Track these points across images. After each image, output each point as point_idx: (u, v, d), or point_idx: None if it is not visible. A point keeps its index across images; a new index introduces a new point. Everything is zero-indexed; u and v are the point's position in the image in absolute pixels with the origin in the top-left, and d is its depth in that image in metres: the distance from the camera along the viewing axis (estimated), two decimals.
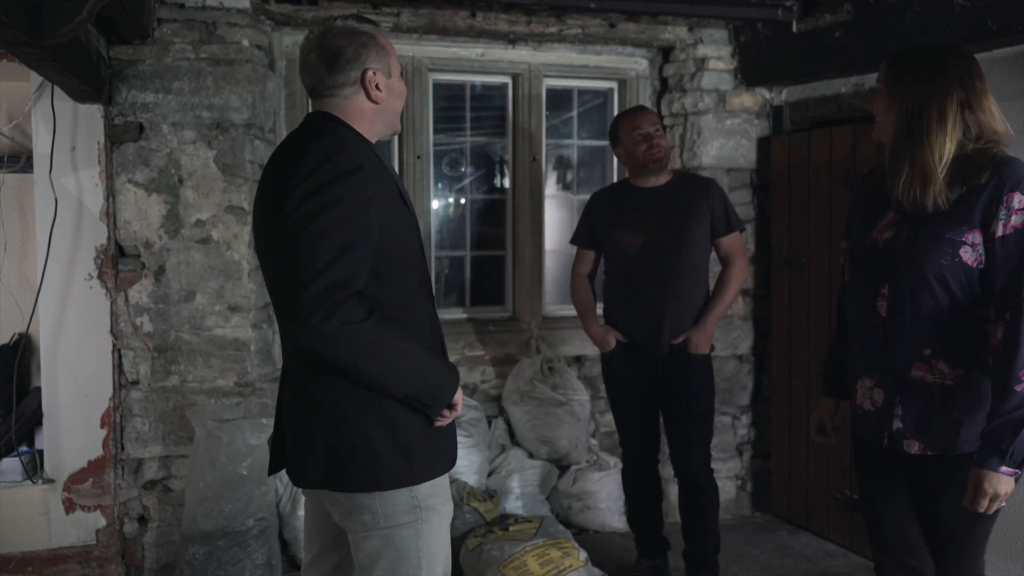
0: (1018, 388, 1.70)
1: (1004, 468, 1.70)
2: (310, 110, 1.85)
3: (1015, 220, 1.73)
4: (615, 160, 4.15)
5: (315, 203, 1.58)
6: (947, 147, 1.79)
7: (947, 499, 1.86)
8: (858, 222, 2.05)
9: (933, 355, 1.85)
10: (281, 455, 1.86)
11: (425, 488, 1.73)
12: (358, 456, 1.68)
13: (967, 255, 1.78)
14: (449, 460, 1.82)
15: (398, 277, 1.72)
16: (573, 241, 3.26)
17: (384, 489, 1.69)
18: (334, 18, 1.78)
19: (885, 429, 1.93)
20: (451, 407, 1.77)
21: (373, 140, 1.81)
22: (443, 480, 1.80)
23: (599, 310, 3.24)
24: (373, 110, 1.79)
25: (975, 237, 1.77)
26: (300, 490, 3.22)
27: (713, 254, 3.09)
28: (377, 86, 1.77)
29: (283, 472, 3.34)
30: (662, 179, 3.04)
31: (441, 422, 1.77)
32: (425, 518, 1.73)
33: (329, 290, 1.55)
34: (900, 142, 1.85)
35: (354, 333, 1.58)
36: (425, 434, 1.74)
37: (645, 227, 2.97)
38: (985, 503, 1.74)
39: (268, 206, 1.71)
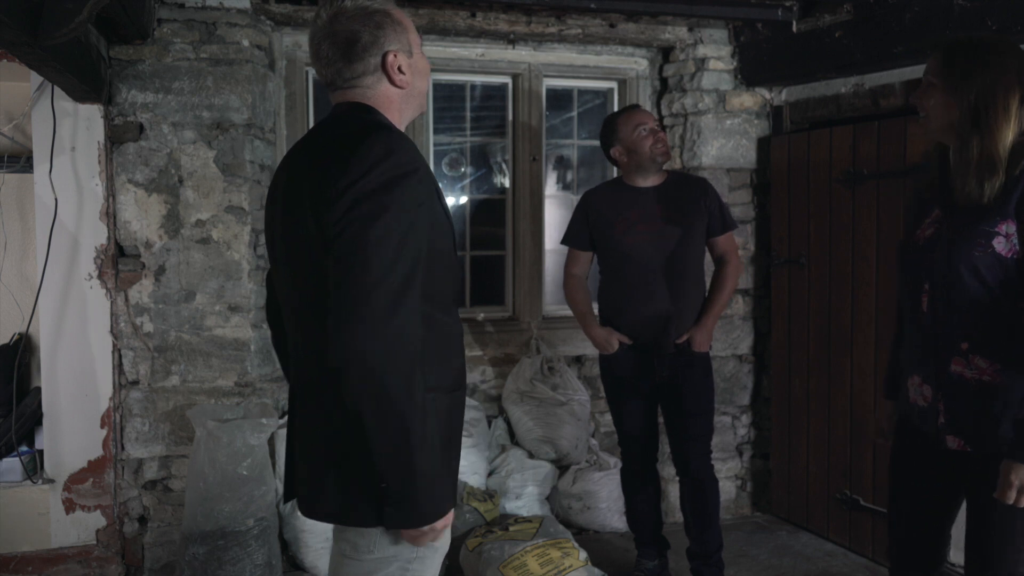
0: None
1: None
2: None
3: None
4: None
5: (374, 205, 1.41)
6: (1010, 139, 1.78)
7: (986, 498, 1.83)
8: (907, 227, 2.05)
9: (970, 349, 1.83)
10: (293, 482, 1.70)
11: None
12: (370, 493, 1.49)
13: (1000, 245, 1.77)
14: (453, 494, 1.63)
15: (436, 289, 1.56)
16: (566, 241, 3.20)
17: (391, 527, 1.52)
18: (339, 2, 1.60)
19: (931, 425, 1.93)
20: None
21: (403, 127, 1.67)
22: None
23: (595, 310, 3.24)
24: (400, 95, 1.63)
25: (1008, 227, 1.77)
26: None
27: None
28: (400, 69, 1.60)
29: (283, 473, 3.34)
30: (658, 179, 3.04)
31: (416, 539, 1.52)
32: (420, 556, 1.57)
33: (378, 308, 1.38)
34: (966, 135, 1.82)
35: (401, 372, 1.38)
36: (446, 469, 1.58)
37: (648, 227, 2.97)
38: (1012, 494, 1.72)
39: (304, 206, 1.52)
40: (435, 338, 1.54)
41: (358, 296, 1.38)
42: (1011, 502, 1.73)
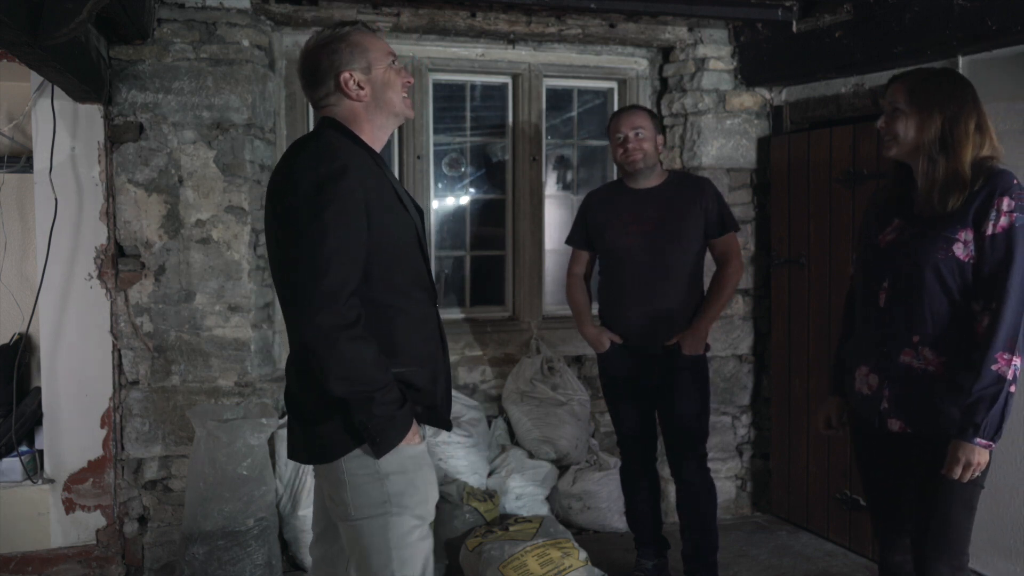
0: (993, 368, 1.92)
1: (978, 440, 1.93)
2: (311, 108, 1.93)
3: (1003, 221, 1.95)
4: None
5: (305, 210, 1.66)
6: (970, 159, 2.02)
7: (929, 479, 2.06)
8: (867, 233, 2.25)
9: (920, 342, 2.06)
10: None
11: (398, 485, 1.78)
12: (324, 427, 1.77)
13: (959, 251, 2.00)
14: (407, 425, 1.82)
15: (386, 277, 1.78)
16: (568, 241, 3.26)
17: (347, 452, 1.75)
18: (312, 36, 1.87)
19: (875, 410, 2.15)
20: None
21: (380, 135, 1.89)
22: (420, 481, 1.83)
23: (594, 310, 3.24)
24: (363, 107, 1.85)
25: (967, 235, 1.99)
26: (300, 490, 3.24)
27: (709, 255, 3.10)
28: (359, 84, 1.83)
29: (284, 472, 3.35)
30: (657, 180, 3.03)
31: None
32: (395, 512, 1.78)
33: (323, 293, 1.63)
34: (935, 156, 2.04)
35: (338, 340, 1.65)
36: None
37: (639, 228, 2.97)
38: (959, 470, 1.95)
39: (268, 218, 1.81)
40: (375, 321, 1.74)
41: (306, 286, 1.64)
42: (957, 477, 1.96)
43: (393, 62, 1.88)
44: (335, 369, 1.66)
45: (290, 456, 1.90)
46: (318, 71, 1.83)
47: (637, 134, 2.95)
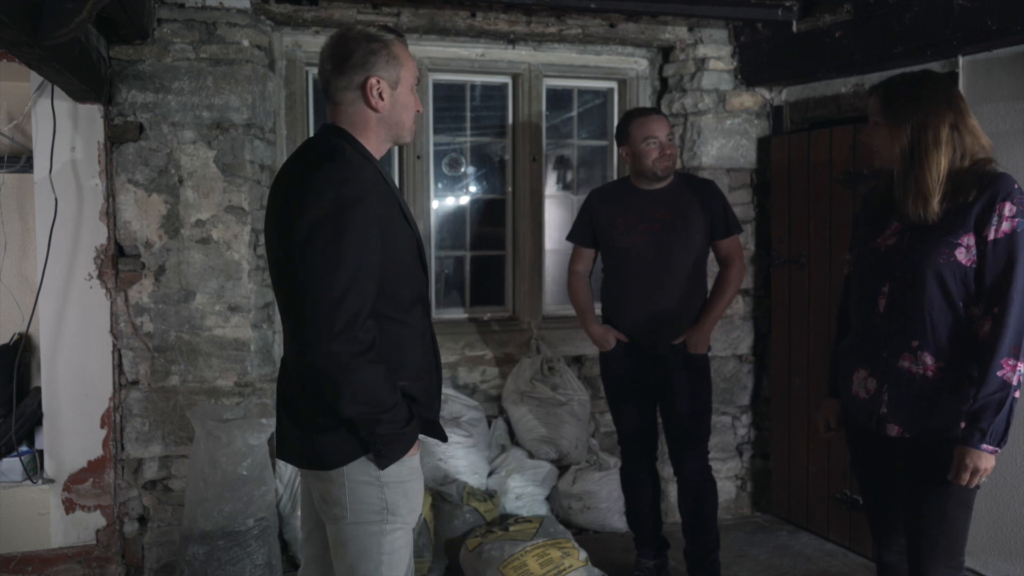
0: (998, 374, 1.92)
1: (985, 445, 1.92)
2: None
3: (1005, 226, 1.95)
4: (615, 160, 4.15)
5: (324, 233, 1.64)
6: (943, 166, 2.01)
7: (925, 480, 2.06)
8: (862, 235, 2.25)
9: (920, 347, 2.05)
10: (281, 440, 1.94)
11: (395, 495, 1.80)
12: (328, 435, 1.75)
13: (961, 255, 1.99)
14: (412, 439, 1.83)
15: (394, 294, 1.77)
16: (570, 238, 3.25)
17: (350, 461, 1.75)
18: (358, 23, 1.81)
19: (874, 415, 2.14)
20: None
21: (380, 148, 1.86)
22: (413, 491, 1.85)
23: (597, 309, 3.24)
24: (376, 118, 1.82)
25: (969, 240, 1.98)
26: (300, 489, 3.24)
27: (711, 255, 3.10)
28: (380, 95, 1.80)
29: (284, 472, 3.35)
30: (663, 181, 3.04)
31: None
32: (391, 521, 1.80)
33: (340, 320, 1.63)
34: (905, 166, 2.06)
35: (353, 366, 1.65)
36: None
37: (645, 228, 2.98)
38: (967, 476, 1.94)
39: (276, 226, 1.77)
40: (383, 337, 1.75)
41: (322, 313, 1.63)
42: (964, 483, 1.95)
43: (416, 85, 1.89)
44: (348, 394, 1.67)
45: (281, 457, 1.90)
46: (348, 61, 1.79)
47: (670, 139, 2.98)
